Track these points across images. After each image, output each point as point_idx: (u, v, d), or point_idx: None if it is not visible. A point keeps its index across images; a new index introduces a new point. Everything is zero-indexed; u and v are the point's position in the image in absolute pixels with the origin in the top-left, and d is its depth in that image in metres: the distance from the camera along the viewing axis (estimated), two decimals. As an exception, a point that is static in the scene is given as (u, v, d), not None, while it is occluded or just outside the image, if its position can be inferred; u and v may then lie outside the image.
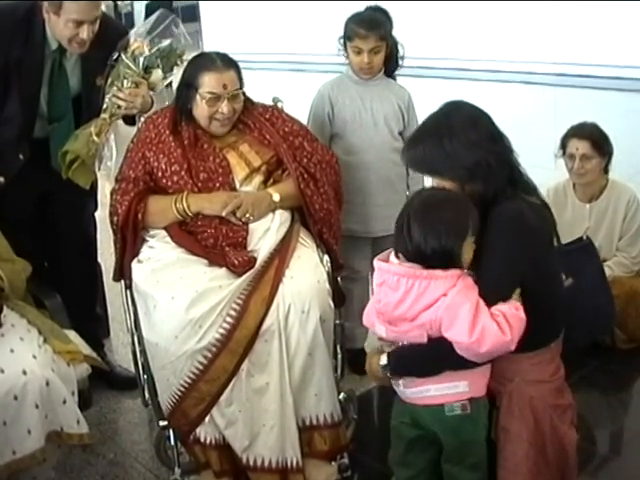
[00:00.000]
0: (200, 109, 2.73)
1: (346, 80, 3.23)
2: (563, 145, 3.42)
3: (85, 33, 2.74)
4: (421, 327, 2.00)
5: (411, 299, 1.98)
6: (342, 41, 3.15)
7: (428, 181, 3.24)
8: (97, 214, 3.32)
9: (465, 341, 1.94)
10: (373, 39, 3.06)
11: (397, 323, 2.04)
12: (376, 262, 2.10)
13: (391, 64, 3.21)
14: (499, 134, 2.11)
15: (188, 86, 2.75)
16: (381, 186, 3.21)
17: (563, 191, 3.52)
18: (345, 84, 3.22)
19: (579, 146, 3.34)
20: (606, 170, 3.43)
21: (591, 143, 3.32)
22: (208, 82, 2.69)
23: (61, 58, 2.88)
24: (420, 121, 3.17)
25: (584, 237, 2.73)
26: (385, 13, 3.17)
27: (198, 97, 2.72)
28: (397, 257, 2.06)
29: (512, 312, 1.96)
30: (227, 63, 2.74)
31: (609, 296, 2.45)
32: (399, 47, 3.20)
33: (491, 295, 1.97)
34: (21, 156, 2.90)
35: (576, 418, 2.18)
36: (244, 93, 2.79)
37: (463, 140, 2.03)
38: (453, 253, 1.99)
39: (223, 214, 2.63)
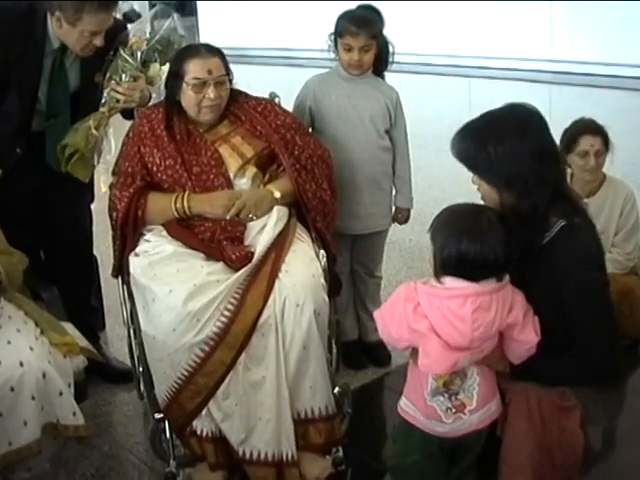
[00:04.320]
0: (187, 97, 2.75)
1: (335, 76, 3.19)
2: (571, 142, 3.31)
3: (99, 41, 2.76)
4: (493, 337, 2.03)
5: (500, 312, 1.99)
6: (333, 37, 3.12)
7: (415, 182, 3.25)
8: (93, 207, 3.32)
9: (536, 340, 2.02)
10: (364, 37, 3.03)
11: (483, 344, 2.03)
12: (466, 288, 1.99)
13: (381, 63, 3.18)
14: (547, 150, 2.06)
15: (175, 77, 2.77)
16: (366, 184, 3.19)
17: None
18: (333, 80, 3.18)
19: (594, 142, 3.27)
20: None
21: (602, 139, 3.28)
22: (193, 68, 2.72)
23: (62, 56, 2.88)
24: (406, 120, 3.21)
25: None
26: (377, 12, 3.14)
27: (184, 85, 2.74)
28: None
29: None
30: (211, 50, 2.79)
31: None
32: (389, 46, 3.16)
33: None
34: (18, 150, 2.90)
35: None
36: (231, 81, 2.81)
37: (507, 150, 2.00)
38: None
39: (227, 217, 2.65)
